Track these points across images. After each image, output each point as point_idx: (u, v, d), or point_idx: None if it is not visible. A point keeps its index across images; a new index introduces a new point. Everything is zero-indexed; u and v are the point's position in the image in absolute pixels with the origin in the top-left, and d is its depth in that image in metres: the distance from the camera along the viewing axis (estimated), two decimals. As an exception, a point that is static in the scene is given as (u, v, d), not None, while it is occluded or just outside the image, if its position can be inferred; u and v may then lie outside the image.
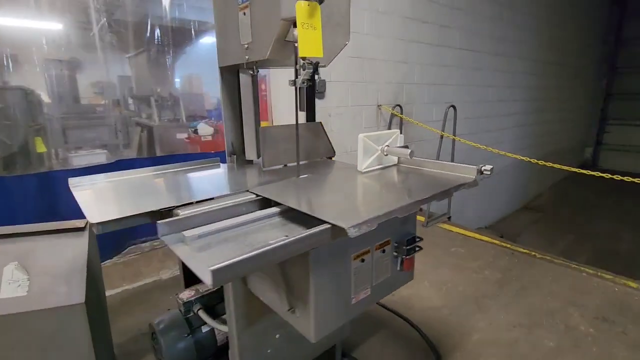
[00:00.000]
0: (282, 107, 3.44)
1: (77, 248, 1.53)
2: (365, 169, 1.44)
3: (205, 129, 3.54)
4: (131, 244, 2.91)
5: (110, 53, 3.55)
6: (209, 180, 1.51)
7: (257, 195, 1.18)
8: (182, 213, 1.02)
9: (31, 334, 1.22)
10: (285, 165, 1.63)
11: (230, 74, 1.63)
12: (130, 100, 4.13)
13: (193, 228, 1.01)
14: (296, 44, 1.18)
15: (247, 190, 1.23)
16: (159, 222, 0.96)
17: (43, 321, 1.29)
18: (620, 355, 1.80)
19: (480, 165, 1.34)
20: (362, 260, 1.04)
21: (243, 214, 1.11)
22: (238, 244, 0.92)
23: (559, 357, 1.79)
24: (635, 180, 2.29)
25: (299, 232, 0.83)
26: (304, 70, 1.22)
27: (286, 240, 0.80)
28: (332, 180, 1.39)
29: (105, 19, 3.38)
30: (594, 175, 2.50)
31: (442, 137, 3.46)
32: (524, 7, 5.81)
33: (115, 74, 3.74)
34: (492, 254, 2.93)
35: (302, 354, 1.52)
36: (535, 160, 2.97)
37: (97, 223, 0.95)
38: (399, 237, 1.14)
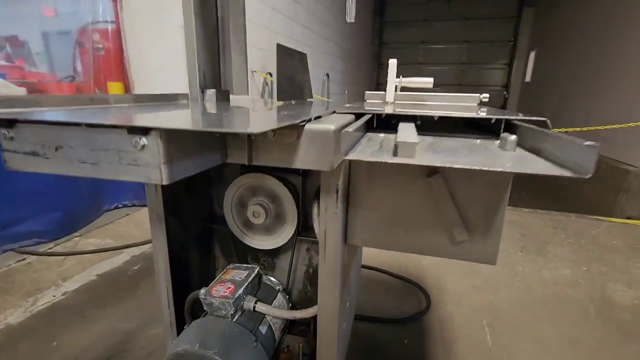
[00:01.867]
0: (150, 64, 2.63)
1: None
2: (391, 101, 1.34)
3: (9, 87, 2.23)
4: None
5: None
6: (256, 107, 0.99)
7: (357, 115, 0.89)
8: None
9: None
10: (288, 103, 1.29)
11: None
12: None
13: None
14: None
15: (334, 112, 0.91)
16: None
17: None
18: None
19: (481, 94, 1.51)
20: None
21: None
22: (443, 148, 0.68)
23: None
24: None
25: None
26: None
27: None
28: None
29: None
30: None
31: (323, 101, 3.59)
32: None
33: None
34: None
35: (350, 321, 1.30)
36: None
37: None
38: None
